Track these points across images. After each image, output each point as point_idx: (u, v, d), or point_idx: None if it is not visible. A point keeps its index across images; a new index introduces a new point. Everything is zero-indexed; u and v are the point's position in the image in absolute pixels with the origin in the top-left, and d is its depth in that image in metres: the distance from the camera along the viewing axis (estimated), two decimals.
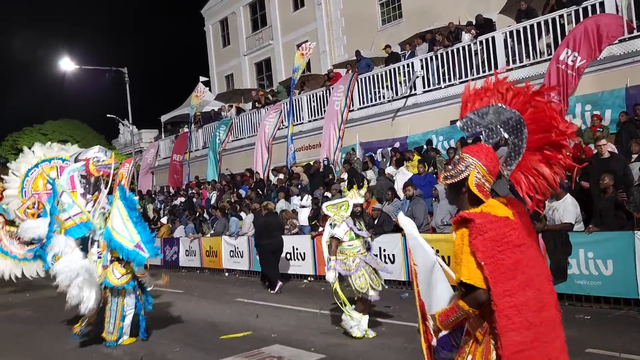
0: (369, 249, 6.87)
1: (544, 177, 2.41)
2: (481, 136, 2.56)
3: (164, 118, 27.14)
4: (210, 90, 25.88)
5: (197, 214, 16.03)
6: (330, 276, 6.43)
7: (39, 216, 12.04)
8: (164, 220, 17.91)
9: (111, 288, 6.91)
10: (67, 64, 24.33)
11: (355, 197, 6.80)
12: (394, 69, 14.78)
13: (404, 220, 3.08)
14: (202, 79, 22.87)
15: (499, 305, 2.28)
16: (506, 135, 2.48)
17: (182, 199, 18.69)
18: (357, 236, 6.63)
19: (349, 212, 6.65)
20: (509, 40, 12.32)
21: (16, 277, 11.48)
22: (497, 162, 2.50)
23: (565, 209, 7.41)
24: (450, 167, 8.01)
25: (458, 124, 2.64)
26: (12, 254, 11.63)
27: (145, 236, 6.79)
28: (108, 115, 26.55)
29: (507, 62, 12.38)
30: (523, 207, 2.51)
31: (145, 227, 7.07)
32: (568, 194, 7.55)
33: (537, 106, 2.40)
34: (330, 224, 6.65)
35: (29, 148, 12.84)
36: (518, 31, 12.09)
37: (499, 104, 2.49)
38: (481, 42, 12.75)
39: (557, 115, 2.37)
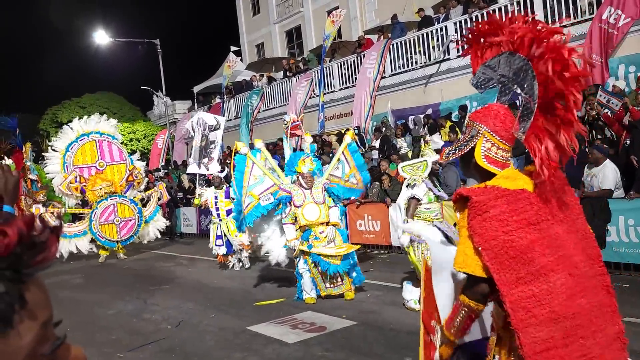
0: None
1: (557, 143, 1.98)
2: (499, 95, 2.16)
3: (196, 89, 27.33)
4: (241, 60, 25.84)
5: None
6: (405, 240, 6.21)
7: (82, 190, 12.49)
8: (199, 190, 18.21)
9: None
10: (101, 37, 24.68)
11: (432, 154, 6.40)
12: (427, 34, 14.40)
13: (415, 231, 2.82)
14: (233, 48, 22.82)
15: (509, 296, 1.87)
16: (518, 90, 2.05)
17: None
18: (437, 198, 6.30)
19: (426, 172, 6.27)
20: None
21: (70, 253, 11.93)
22: (512, 124, 2.07)
23: (605, 175, 7.18)
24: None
25: (470, 80, 2.25)
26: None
27: (365, 175, 7.66)
28: (142, 87, 26.94)
29: (547, 22, 11.89)
30: (561, 174, 2.07)
31: (365, 167, 7.90)
32: (608, 160, 7.30)
33: (545, 49, 1.96)
34: (408, 185, 6.31)
35: (69, 121, 13.24)
36: None
37: (508, 51, 2.06)
38: (519, 3, 12.26)
39: (566, 57, 1.93)
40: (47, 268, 0.73)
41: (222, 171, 10.56)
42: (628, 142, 8.01)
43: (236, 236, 9.29)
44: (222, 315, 6.68)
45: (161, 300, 7.82)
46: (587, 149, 8.33)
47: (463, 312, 2.01)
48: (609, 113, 8.91)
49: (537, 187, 2.01)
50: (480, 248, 1.91)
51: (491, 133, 2.07)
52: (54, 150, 12.76)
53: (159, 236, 13.61)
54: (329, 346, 5.12)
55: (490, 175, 2.07)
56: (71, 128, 12.96)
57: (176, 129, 26.40)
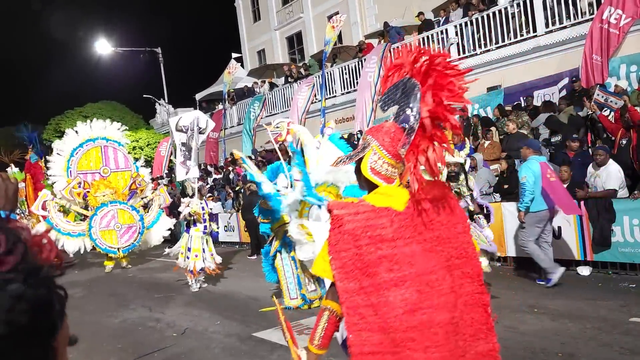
0: (487, 215, 5.98)
1: (427, 159, 2.09)
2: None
3: (198, 96, 27.40)
4: (242, 66, 25.92)
5: (237, 187, 16.24)
6: None
7: (84, 196, 12.34)
8: (186, 200, 18.24)
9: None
10: (103, 47, 24.79)
11: (447, 156, 5.52)
12: (428, 37, 14.42)
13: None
14: (234, 55, 22.90)
15: (348, 302, 2.05)
16: (408, 111, 2.19)
17: (219, 176, 18.97)
18: None
19: (443, 176, 5.57)
20: (548, 1, 11.81)
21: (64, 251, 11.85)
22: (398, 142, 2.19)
23: (609, 175, 7.16)
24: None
25: (378, 103, 2.39)
26: (57, 226, 11.86)
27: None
28: (144, 96, 27.03)
29: (547, 24, 11.90)
30: (446, 195, 2.18)
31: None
32: (611, 160, 7.29)
33: (434, 74, 2.10)
34: None
35: (72, 129, 13.10)
36: None
37: (407, 76, 2.20)
38: (519, 5, 12.27)
39: (450, 84, 2.08)
40: (62, 270, 0.79)
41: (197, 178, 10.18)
42: (624, 142, 8.00)
43: (212, 255, 9.03)
44: (228, 322, 6.67)
45: (166, 308, 7.82)
46: (590, 150, 8.33)
47: (326, 315, 2.17)
48: (607, 112, 8.90)
49: (409, 207, 2.12)
50: (331, 257, 2.09)
51: (380, 147, 2.21)
52: (58, 153, 12.57)
53: (162, 239, 13.28)
54: (335, 351, 5.09)
55: (374, 187, 2.21)
56: (76, 132, 12.75)
57: None
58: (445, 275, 2.08)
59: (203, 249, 8.96)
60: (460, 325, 2.08)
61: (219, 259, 9.16)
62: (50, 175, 12.78)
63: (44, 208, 11.96)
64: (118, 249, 12.22)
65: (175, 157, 13.06)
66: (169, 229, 13.33)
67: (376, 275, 2.04)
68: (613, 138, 8.50)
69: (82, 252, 12.10)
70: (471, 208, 5.78)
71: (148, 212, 12.94)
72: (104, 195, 12.26)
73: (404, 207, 2.12)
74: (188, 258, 8.92)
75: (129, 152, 13.95)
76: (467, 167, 5.91)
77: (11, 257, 0.71)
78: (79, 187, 12.18)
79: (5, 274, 0.70)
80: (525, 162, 7.27)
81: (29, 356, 0.72)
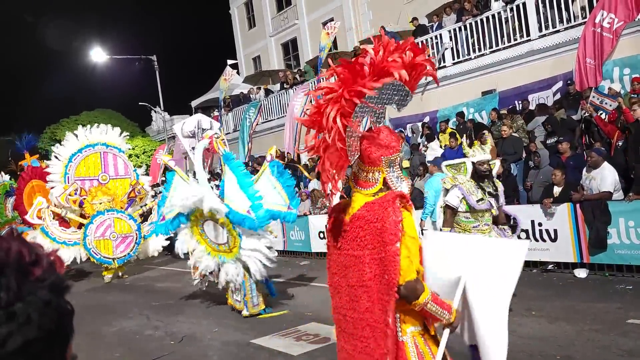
0: (513, 226, 5.69)
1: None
2: None
3: (194, 103, 27.42)
4: (238, 73, 25.95)
5: None
6: None
7: (80, 203, 12.03)
8: None
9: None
10: (98, 55, 24.82)
11: (478, 153, 5.35)
12: (422, 42, 14.49)
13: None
14: (230, 62, 22.94)
15: None
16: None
17: (217, 182, 18.94)
18: (469, 207, 5.25)
19: (468, 175, 5.39)
20: (540, 5, 11.89)
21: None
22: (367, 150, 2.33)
23: (603, 178, 7.20)
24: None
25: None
26: (52, 235, 11.57)
27: (294, 201, 7.26)
28: (140, 103, 27.02)
29: (540, 28, 11.97)
30: (382, 206, 2.20)
31: (293, 192, 7.42)
32: (606, 162, 7.33)
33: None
34: (444, 188, 5.59)
35: (72, 133, 12.65)
36: None
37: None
38: (512, 9, 12.35)
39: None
40: (64, 284, 0.82)
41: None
42: (620, 144, 8.04)
43: None
44: (225, 329, 6.66)
45: (164, 316, 7.79)
46: (584, 152, 8.37)
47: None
48: (602, 114, 8.95)
49: (346, 215, 2.35)
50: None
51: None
52: (56, 157, 12.21)
53: (157, 253, 12.98)
54: (334, 357, 5.09)
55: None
56: (76, 137, 12.38)
57: (175, 144, 26.45)
58: (367, 293, 2.24)
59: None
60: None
61: None
62: (48, 181, 12.40)
63: (39, 216, 11.75)
64: (113, 259, 11.79)
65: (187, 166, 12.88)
66: (167, 239, 13.03)
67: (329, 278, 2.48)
68: (609, 140, 8.55)
69: (78, 261, 11.90)
70: (494, 212, 5.40)
71: (147, 220, 12.50)
72: (100, 203, 11.87)
73: (349, 216, 2.31)
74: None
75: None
76: (495, 170, 5.54)
77: (37, 267, 0.77)
78: (75, 194, 11.76)
79: (35, 282, 0.75)
80: (430, 178, 8.29)
81: None
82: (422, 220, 8.34)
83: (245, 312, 7.10)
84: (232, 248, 7.04)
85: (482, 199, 5.24)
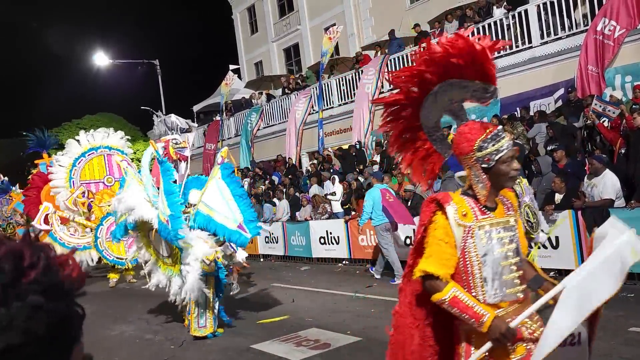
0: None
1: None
2: None
3: (196, 108, 27.47)
4: (240, 78, 26.01)
5: None
6: None
7: (89, 206, 11.99)
8: None
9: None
10: (101, 59, 24.90)
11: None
12: (423, 49, 14.50)
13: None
14: (232, 67, 23.00)
15: None
16: None
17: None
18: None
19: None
20: (542, 12, 11.92)
21: None
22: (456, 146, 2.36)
23: (605, 185, 7.20)
24: None
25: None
26: (60, 240, 11.51)
27: (248, 214, 6.20)
28: (142, 108, 27.09)
29: (542, 36, 12.00)
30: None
31: (248, 204, 6.42)
32: (607, 169, 7.33)
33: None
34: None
35: (73, 138, 12.67)
36: (552, 3, 11.67)
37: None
38: (514, 16, 12.38)
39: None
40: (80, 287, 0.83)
41: None
42: (623, 151, 8.04)
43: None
44: (226, 334, 6.63)
45: (164, 320, 7.77)
46: (586, 159, 8.37)
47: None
48: (605, 121, 8.95)
49: None
50: None
51: None
52: (59, 165, 12.18)
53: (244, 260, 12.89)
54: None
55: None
56: (78, 141, 12.38)
57: None
58: None
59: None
60: None
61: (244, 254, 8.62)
62: (52, 187, 12.31)
63: (46, 222, 11.72)
64: (126, 259, 11.59)
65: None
66: None
67: None
68: (611, 147, 8.55)
69: (85, 265, 11.81)
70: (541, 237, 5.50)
71: None
72: (109, 205, 11.59)
73: None
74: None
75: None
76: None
77: (33, 270, 0.75)
78: (83, 196, 11.77)
79: (28, 285, 0.74)
80: (369, 189, 9.34)
81: None
82: (359, 226, 9.66)
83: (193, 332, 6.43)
84: (174, 262, 6.60)
85: (533, 223, 5.19)
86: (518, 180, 5.37)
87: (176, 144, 7.33)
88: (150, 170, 7.23)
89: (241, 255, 7.77)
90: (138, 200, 6.41)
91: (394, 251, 9.04)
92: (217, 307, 6.61)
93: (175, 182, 6.68)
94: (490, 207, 2.29)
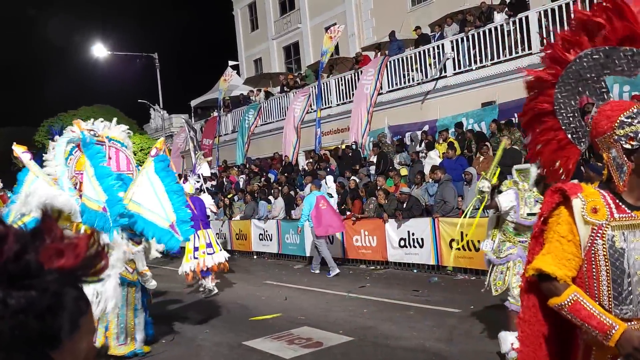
0: None
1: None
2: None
3: (193, 103, 27.41)
4: (239, 74, 25.97)
5: (230, 195, 16.20)
6: (487, 259, 5.13)
7: (81, 197, 12.03)
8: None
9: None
10: (99, 50, 24.80)
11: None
12: (424, 51, 14.54)
13: None
14: (231, 63, 22.97)
15: None
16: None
17: (213, 183, 18.92)
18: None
19: (531, 182, 4.90)
20: (543, 19, 11.96)
21: None
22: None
23: None
24: None
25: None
26: None
27: (182, 214, 5.42)
28: (139, 101, 27.01)
29: (542, 42, 12.03)
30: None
31: (183, 202, 5.65)
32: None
33: None
34: (498, 190, 5.11)
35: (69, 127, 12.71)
36: (553, 10, 11.72)
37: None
38: (514, 22, 12.42)
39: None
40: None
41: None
42: None
43: (219, 249, 8.80)
44: (217, 330, 6.63)
45: (155, 315, 7.74)
46: (582, 168, 8.39)
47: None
48: None
49: None
50: None
51: None
52: (54, 149, 12.31)
53: (159, 256, 12.95)
54: None
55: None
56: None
57: (172, 143, 26.43)
58: None
59: (208, 244, 8.59)
60: None
61: (225, 255, 8.83)
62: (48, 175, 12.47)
63: None
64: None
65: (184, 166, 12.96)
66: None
67: None
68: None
69: None
70: None
71: None
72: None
73: None
74: (196, 258, 8.43)
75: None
76: (532, 174, 4.92)
77: None
78: (75, 188, 11.80)
79: None
80: (307, 195, 10.39)
81: None
82: (298, 227, 10.59)
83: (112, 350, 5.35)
84: None
85: (534, 214, 4.53)
86: None
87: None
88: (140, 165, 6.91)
89: (154, 255, 6.52)
90: (52, 190, 5.73)
91: (327, 249, 10.18)
92: (142, 320, 5.70)
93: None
94: (633, 204, 1.89)
